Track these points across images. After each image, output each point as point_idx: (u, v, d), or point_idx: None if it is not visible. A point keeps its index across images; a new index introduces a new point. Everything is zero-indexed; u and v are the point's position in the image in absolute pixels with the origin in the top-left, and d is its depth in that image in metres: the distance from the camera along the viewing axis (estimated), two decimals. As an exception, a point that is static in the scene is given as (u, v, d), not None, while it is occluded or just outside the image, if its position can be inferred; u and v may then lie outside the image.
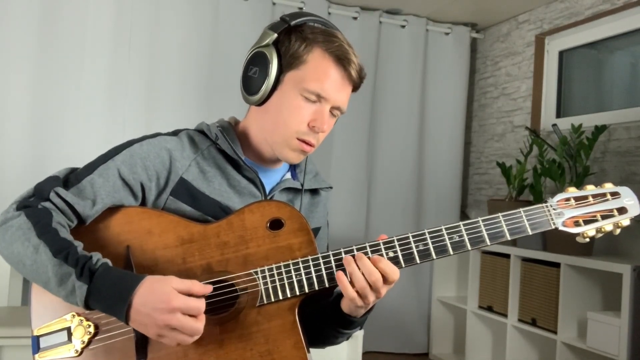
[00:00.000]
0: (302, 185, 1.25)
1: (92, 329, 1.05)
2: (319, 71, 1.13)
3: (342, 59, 1.14)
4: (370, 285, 1.04)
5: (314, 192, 1.30)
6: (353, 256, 1.06)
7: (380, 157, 3.93)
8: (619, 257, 2.86)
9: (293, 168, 1.29)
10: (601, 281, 2.79)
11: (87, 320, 1.06)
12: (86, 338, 1.05)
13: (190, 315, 0.98)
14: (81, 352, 1.05)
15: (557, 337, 2.78)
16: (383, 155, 3.93)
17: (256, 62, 1.16)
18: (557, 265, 2.81)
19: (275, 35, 1.15)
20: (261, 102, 1.16)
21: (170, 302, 0.96)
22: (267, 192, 1.21)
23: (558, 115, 3.59)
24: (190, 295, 0.99)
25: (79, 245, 1.02)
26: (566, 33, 3.50)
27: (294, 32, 1.16)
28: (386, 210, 3.91)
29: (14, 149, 3.11)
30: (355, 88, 1.20)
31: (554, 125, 3.17)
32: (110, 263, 1.02)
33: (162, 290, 0.97)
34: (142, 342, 1.04)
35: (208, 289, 1.02)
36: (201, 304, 0.99)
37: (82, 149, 3.15)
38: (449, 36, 4.03)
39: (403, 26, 3.93)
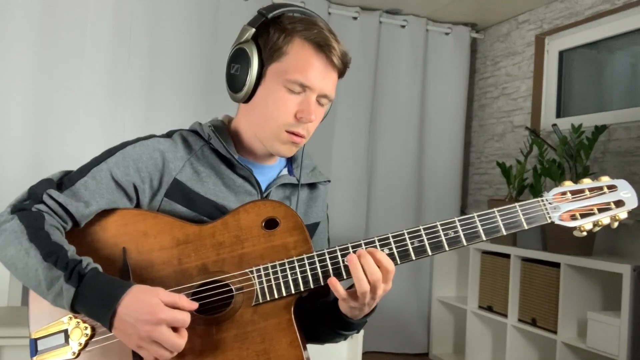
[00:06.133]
0: (298, 180, 1.24)
1: (89, 331, 1.05)
2: (300, 61, 1.11)
3: (322, 46, 1.12)
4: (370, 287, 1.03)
5: (313, 186, 1.29)
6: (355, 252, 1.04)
7: (380, 157, 3.93)
8: (619, 257, 2.86)
9: (290, 163, 1.28)
10: (601, 281, 2.79)
11: (84, 322, 1.06)
12: (83, 340, 1.05)
13: (174, 330, 0.98)
14: (78, 354, 1.05)
15: (557, 337, 2.77)
16: (383, 155, 3.93)
17: (237, 59, 1.15)
18: (557, 265, 2.81)
19: (254, 29, 1.14)
20: (247, 99, 1.15)
21: (156, 314, 0.96)
22: (264, 189, 1.21)
23: (558, 115, 3.58)
24: (176, 308, 0.99)
25: (70, 249, 1.02)
26: (566, 33, 3.50)
27: (272, 24, 1.14)
28: (386, 210, 3.91)
29: (14, 149, 3.11)
30: (340, 74, 1.17)
31: (554, 125, 3.17)
32: (100, 268, 1.02)
33: (149, 301, 0.97)
34: None
35: (194, 305, 1.01)
36: (186, 317, 0.99)
37: (82, 149, 3.15)
38: (449, 36, 4.03)
39: (403, 26, 3.93)
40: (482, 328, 3.49)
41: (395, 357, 3.85)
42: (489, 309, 3.32)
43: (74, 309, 1.00)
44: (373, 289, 1.03)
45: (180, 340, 0.98)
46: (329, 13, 3.74)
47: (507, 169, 3.28)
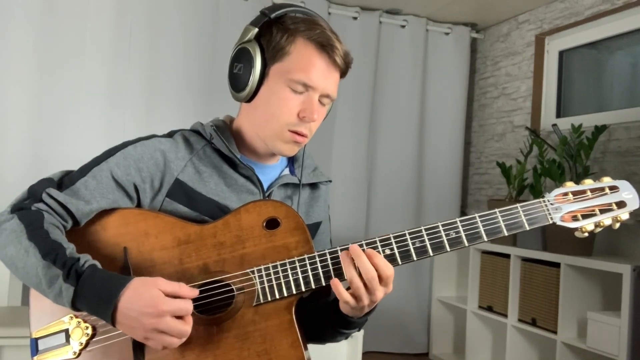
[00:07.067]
0: (299, 180, 1.24)
1: (90, 331, 1.05)
2: (303, 60, 1.12)
3: (325, 46, 1.12)
4: (365, 286, 1.03)
5: (314, 186, 1.29)
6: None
7: (380, 157, 3.93)
8: (619, 257, 2.86)
9: (291, 163, 1.28)
10: (601, 281, 2.79)
11: (85, 322, 1.06)
12: (84, 340, 1.05)
13: (178, 317, 0.98)
14: (79, 354, 1.05)
15: (557, 337, 2.77)
16: (383, 156, 3.93)
17: (240, 59, 1.15)
18: (557, 265, 2.81)
19: (257, 29, 1.14)
20: (250, 98, 1.16)
21: (158, 306, 0.96)
22: (265, 188, 1.21)
23: (558, 115, 3.58)
24: (177, 297, 0.99)
25: (69, 247, 1.02)
26: (566, 33, 3.50)
27: (275, 24, 1.15)
28: (386, 210, 3.91)
29: (14, 149, 3.11)
30: (342, 74, 1.18)
31: (554, 125, 3.17)
32: (99, 265, 1.02)
33: (149, 293, 0.97)
34: (139, 344, 1.04)
35: (195, 292, 1.02)
36: (189, 306, 0.99)
37: (82, 149, 3.15)
38: (449, 36, 4.03)
39: (403, 26, 3.93)
40: (482, 328, 3.49)
41: (395, 357, 3.85)
42: (489, 309, 3.32)
43: (75, 307, 1.00)
44: (370, 289, 1.03)
45: (186, 327, 0.99)
46: (329, 13, 3.74)
47: (507, 169, 3.28)
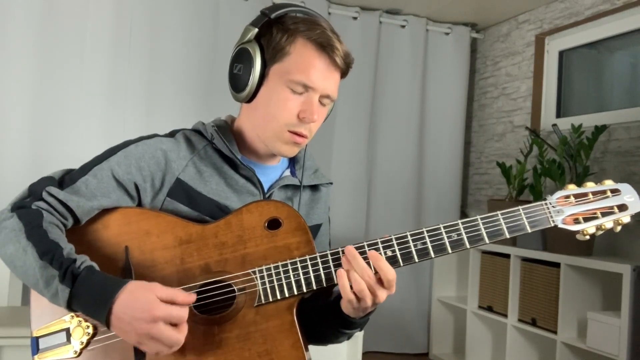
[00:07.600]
0: (300, 181, 1.24)
1: (90, 330, 1.05)
2: (303, 61, 1.11)
3: (325, 47, 1.12)
4: (367, 287, 1.03)
5: (315, 188, 1.29)
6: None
7: (380, 157, 3.93)
8: (619, 257, 2.86)
9: (292, 164, 1.28)
10: (601, 281, 2.79)
11: (86, 321, 1.06)
12: (85, 339, 1.05)
13: (173, 325, 0.98)
14: (80, 353, 1.05)
15: (557, 337, 2.77)
16: (383, 155, 3.93)
17: (240, 59, 1.15)
18: (557, 265, 2.81)
19: (257, 30, 1.14)
20: (250, 99, 1.16)
21: (152, 312, 0.96)
22: (266, 189, 1.21)
23: (558, 115, 3.58)
24: (173, 303, 0.98)
25: (66, 247, 1.01)
26: (566, 33, 3.50)
27: (275, 24, 1.14)
28: (386, 210, 3.91)
29: (14, 149, 3.11)
30: (342, 74, 1.17)
31: (554, 125, 3.17)
32: (96, 266, 1.02)
33: (144, 298, 0.97)
34: None
35: (192, 298, 1.01)
36: (184, 313, 0.98)
37: (82, 150, 3.14)
38: (449, 36, 4.03)
39: (403, 26, 3.93)
40: (482, 328, 3.49)
41: (395, 357, 3.85)
42: (489, 309, 3.33)
43: (71, 308, 1.00)
44: (371, 290, 1.03)
45: (179, 336, 0.98)
46: (329, 13, 3.74)
47: (507, 169, 3.28)
